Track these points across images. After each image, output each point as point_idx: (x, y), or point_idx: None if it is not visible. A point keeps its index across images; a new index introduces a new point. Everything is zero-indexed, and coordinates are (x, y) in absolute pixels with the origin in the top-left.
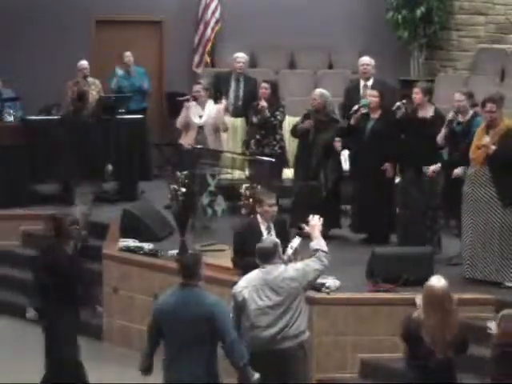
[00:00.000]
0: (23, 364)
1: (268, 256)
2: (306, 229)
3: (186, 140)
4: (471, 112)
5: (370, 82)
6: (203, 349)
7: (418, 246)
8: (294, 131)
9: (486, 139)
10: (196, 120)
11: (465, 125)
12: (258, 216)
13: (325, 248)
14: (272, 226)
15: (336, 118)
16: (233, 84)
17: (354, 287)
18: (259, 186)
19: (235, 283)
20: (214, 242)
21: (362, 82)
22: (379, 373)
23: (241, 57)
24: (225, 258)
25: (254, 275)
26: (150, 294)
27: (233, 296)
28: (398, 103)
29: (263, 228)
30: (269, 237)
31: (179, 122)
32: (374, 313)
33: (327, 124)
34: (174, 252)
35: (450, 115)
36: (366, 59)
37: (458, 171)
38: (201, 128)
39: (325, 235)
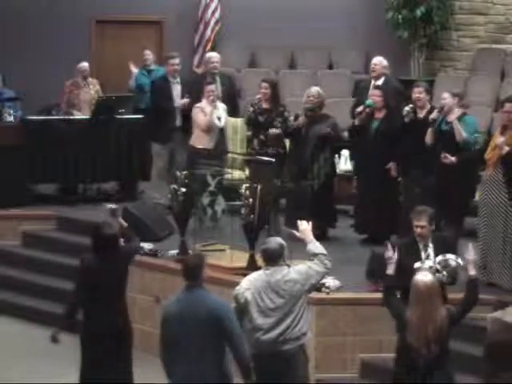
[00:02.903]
0: (23, 364)
1: (273, 257)
2: (297, 235)
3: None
4: (458, 111)
5: (379, 82)
6: (213, 349)
7: None
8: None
9: (500, 139)
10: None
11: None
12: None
13: (324, 251)
14: (430, 244)
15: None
16: None
17: (354, 287)
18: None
19: (234, 283)
20: (213, 242)
21: (372, 82)
22: (379, 373)
23: (214, 56)
24: (224, 258)
25: (257, 277)
26: (150, 293)
27: (234, 298)
28: (406, 108)
29: (421, 246)
30: (274, 238)
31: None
32: (374, 313)
33: (320, 118)
34: (174, 252)
35: (434, 114)
36: (375, 59)
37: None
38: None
39: (323, 236)
